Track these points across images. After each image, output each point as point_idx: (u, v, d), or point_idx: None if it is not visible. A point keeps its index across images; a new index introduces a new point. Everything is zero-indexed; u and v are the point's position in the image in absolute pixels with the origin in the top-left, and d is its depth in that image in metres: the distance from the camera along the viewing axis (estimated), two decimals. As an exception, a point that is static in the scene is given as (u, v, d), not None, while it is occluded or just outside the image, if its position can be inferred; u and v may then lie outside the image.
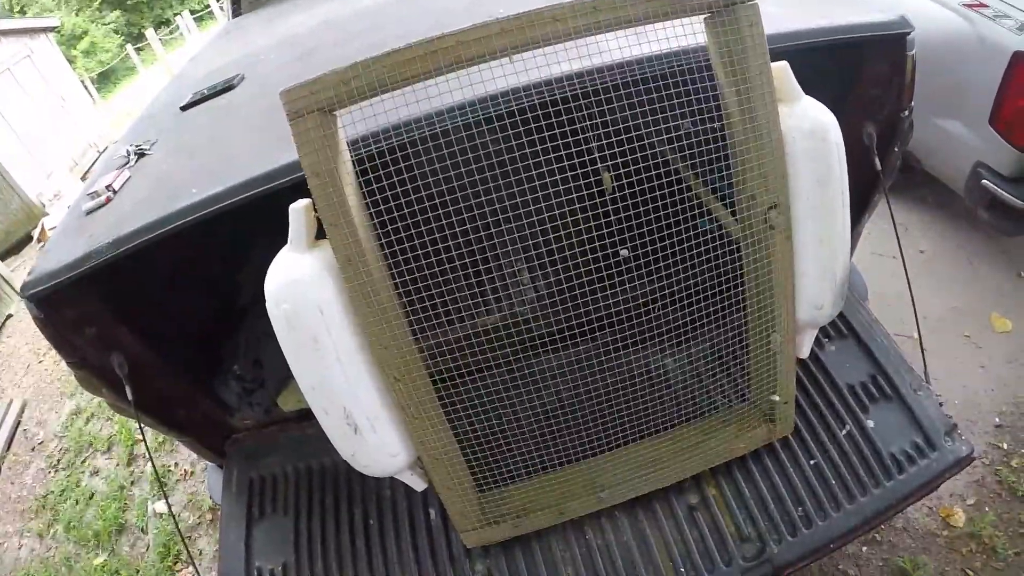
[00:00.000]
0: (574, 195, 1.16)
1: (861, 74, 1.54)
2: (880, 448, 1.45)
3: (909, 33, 1.40)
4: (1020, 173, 2.48)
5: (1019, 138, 2.40)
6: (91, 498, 3.18)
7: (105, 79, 16.68)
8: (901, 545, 2.06)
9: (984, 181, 2.56)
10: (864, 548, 2.08)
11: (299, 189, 1.15)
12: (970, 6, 2.48)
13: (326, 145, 1.01)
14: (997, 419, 2.33)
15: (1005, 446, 2.24)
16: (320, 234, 1.13)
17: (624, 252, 1.21)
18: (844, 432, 1.48)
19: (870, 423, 1.49)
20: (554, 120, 1.11)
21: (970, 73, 2.50)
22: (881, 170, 1.55)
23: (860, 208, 1.66)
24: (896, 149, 1.60)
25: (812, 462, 1.45)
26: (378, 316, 1.09)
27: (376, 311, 1.09)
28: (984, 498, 2.12)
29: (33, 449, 3.72)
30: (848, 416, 1.50)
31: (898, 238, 1.67)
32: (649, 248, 1.20)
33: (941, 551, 2.03)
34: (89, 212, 1.46)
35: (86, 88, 11.58)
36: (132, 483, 3.18)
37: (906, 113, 1.53)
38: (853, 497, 1.40)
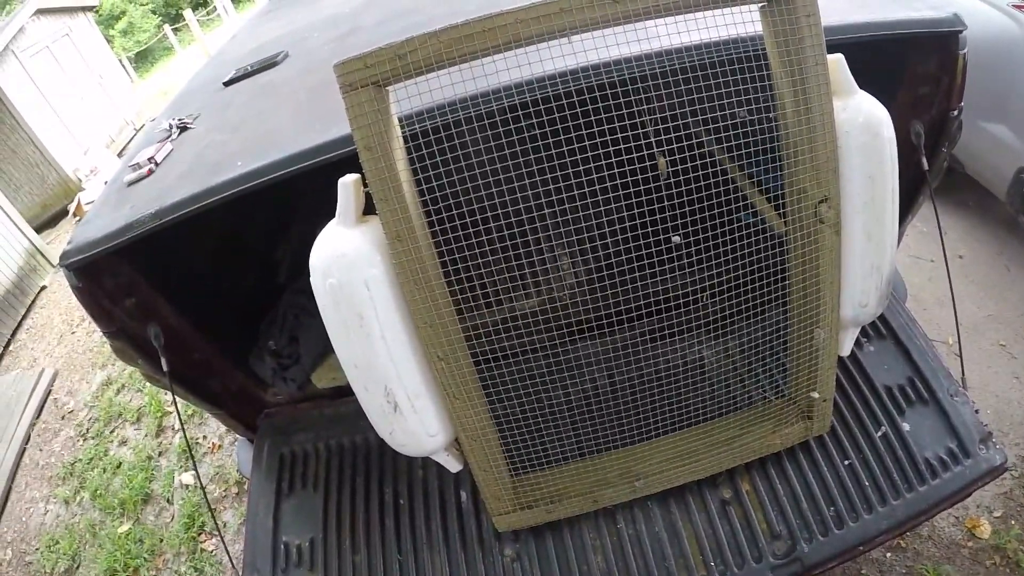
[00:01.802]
0: (623, 180, 1.15)
1: (911, 71, 1.51)
2: (915, 452, 1.43)
3: (962, 31, 1.37)
4: (1066, 181, 2.42)
5: (1066, 145, 2.34)
6: (118, 467, 3.26)
7: (142, 59, 16.91)
8: (925, 553, 2.04)
9: (1028, 187, 2.50)
10: (888, 554, 2.06)
11: (344, 165, 1.16)
12: (1019, 7, 2.41)
13: (379, 119, 1.01)
14: (1029, 431, 2.28)
15: (1035, 460, 2.20)
16: (368, 210, 1.13)
17: (676, 239, 1.20)
18: (880, 434, 1.47)
19: (906, 426, 1.47)
20: (609, 104, 1.10)
21: (1017, 76, 2.44)
22: (928, 170, 1.52)
23: (905, 208, 1.63)
24: (944, 149, 1.56)
25: (847, 462, 1.43)
26: (425, 295, 1.09)
27: (423, 290, 1.09)
28: (1011, 511, 2.09)
29: (63, 418, 3.82)
30: (884, 418, 1.49)
31: (943, 242, 1.63)
32: (695, 237, 1.19)
33: (965, 562, 2.00)
34: (131, 183, 1.48)
35: (124, 67, 11.75)
36: (160, 454, 3.25)
37: (955, 113, 1.50)
38: (885, 500, 1.38)
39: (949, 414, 1.48)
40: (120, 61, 11.49)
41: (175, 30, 15.27)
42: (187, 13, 11.66)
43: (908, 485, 1.40)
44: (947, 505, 1.41)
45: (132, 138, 8.91)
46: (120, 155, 8.12)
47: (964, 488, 1.40)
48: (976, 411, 1.51)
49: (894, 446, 1.45)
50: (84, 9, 9.25)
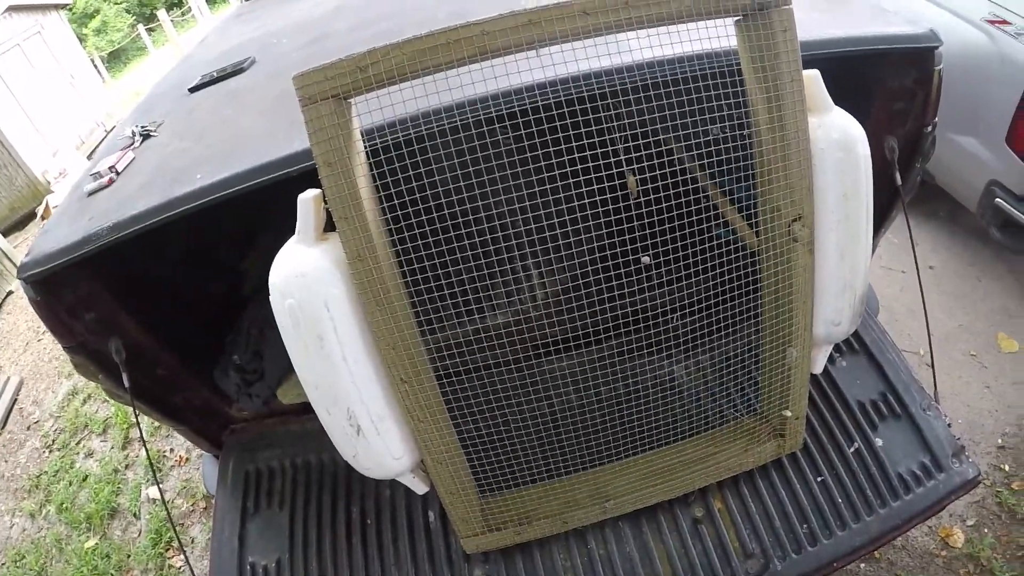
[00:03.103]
0: (592, 197, 1.13)
1: (886, 86, 1.51)
2: (888, 467, 1.43)
3: (938, 47, 1.37)
4: (1035, 193, 2.46)
5: (1036, 158, 2.37)
6: (85, 480, 3.17)
7: (115, 58, 16.63)
8: (900, 564, 2.05)
9: (998, 200, 2.54)
10: (863, 566, 2.07)
11: (308, 178, 1.12)
12: (993, 22, 2.45)
13: (339, 134, 0.97)
14: (1000, 440, 2.31)
15: (1007, 468, 2.23)
16: (329, 226, 1.09)
17: (646, 259, 1.18)
18: (852, 450, 1.46)
19: (879, 441, 1.47)
20: (578, 119, 1.07)
21: (989, 90, 2.47)
22: (902, 185, 1.52)
23: (878, 223, 1.63)
24: (918, 165, 1.57)
25: (819, 479, 1.42)
26: (387, 315, 1.06)
27: (385, 310, 1.05)
28: (984, 519, 2.11)
29: (29, 428, 3.70)
30: (857, 433, 1.48)
31: (915, 256, 1.64)
32: (666, 254, 1.17)
33: (939, 572, 2.01)
34: (91, 193, 1.43)
35: (96, 67, 11.53)
36: (127, 467, 3.16)
37: (929, 128, 1.50)
38: (859, 516, 1.38)
39: (922, 428, 1.48)
40: (92, 61, 11.28)
41: (149, 30, 15.04)
42: (161, 13, 11.47)
43: (881, 501, 1.39)
44: (921, 520, 1.41)
45: (102, 140, 8.73)
46: (90, 157, 7.94)
47: (938, 502, 1.40)
48: (949, 424, 1.51)
49: (867, 462, 1.44)
50: (57, 7, 9.07)
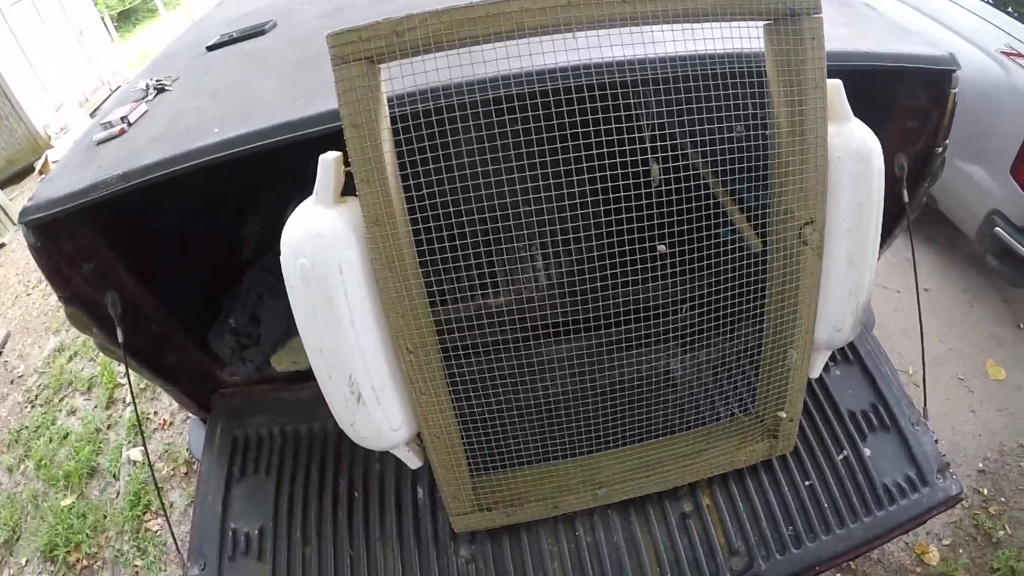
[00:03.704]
0: (609, 184, 1.13)
1: (901, 104, 1.53)
2: (874, 477, 1.45)
3: (956, 71, 1.39)
4: (1034, 225, 2.49)
5: (1038, 191, 2.41)
6: (65, 438, 3.13)
7: (125, 18, 16.39)
8: (874, 576, 2.08)
9: (997, 229, 2.58)
10: (838, 575, 2.09)
11: (324, 142, 1.11)
12: (1008, 54, 2.47)
13: (368, 96, 0.97)
14: (981, 464, 2.35)
15: (986, 491, 2.27)
16: (347, 190, 1.09)
17: (661, 247, 1.18)
18: (841, 457, 1.48)
19: (867, 451, 1.50)
20: (606, 104, 1.07)
21: (998, 120, 2.50)
22: (908, 203, 1.54)
23: (882, 239, 1.65)
24: (926, 184, 1.59)
25: (807, 483, 1.44)
26: (399, 283, 1.06)
27: (398, 278, 1.05)
28: (960, 540, 2.15)
29: (12, 382, 3.66)
30: (847, 441, 1.51)
31: (916, 274, 1.66)
32: (678, 248, 1.18)
33: (913, 588, 2.04)
34: (100, 142, 1.41)
35: (105, 25, 11.38)
36: (109, 427, 3.13)
37: (940, 149, 1.53)
38: (843, 522, 1.40)
39: (910, 442, 1.50)
40: (102, 19, 11.13)
41: (161, -9, 14.84)
42: (174, -25, 11.33)
43: (866, 509, 1.42)
44: (903, 531, 1.44)
45: (106, 99, 8.61)
46: (93, 115, 7.85)
47: (920, 515, 1.43)
48: (936, 441, 1.54)
49: (855, 470, 1.47)
50: (71, -39, 8.91)
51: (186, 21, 9.86)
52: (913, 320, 1.66)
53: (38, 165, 6.50)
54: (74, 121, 7.09)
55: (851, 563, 2.08)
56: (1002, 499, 2.25)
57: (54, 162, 6.19)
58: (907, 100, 1.52)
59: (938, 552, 2.11)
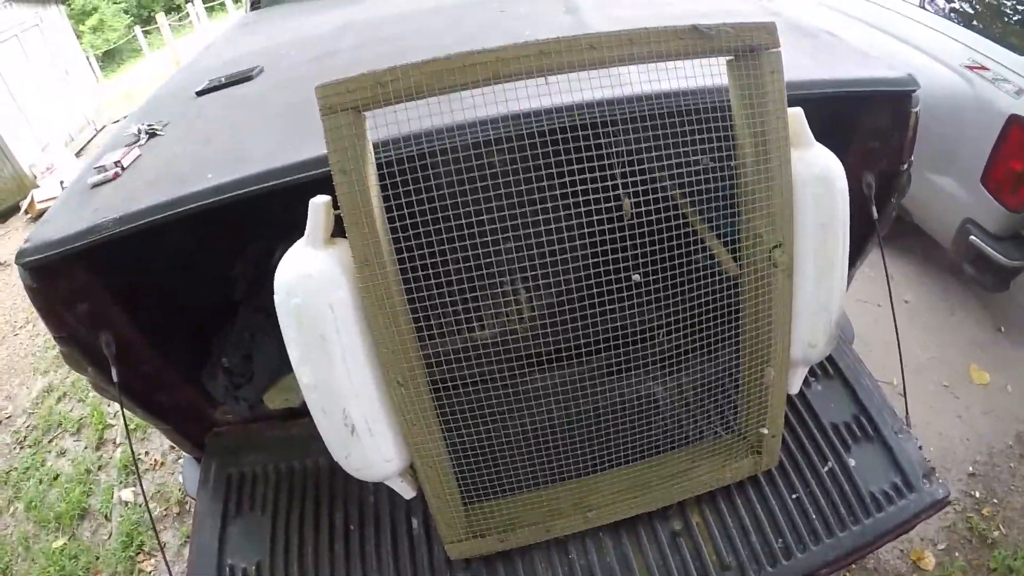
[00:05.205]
0: (586, 218, 1.18)
1: (865, 126, 1.59)
2: (860, 486, 1.48)
3: (915, 90, 1.45)
4: (1007, 231, 2.57)
5: (1008, 198, 2.48)
6: (55, 479, 3.10)
7: (110, 58, 16.53)
8: (872, 585, 2.09)
9: (972, 237, 2.64)
10: (835, 585, 2.11)
11: (313, 186, 1.15)
12: (971, 68, 2.57)
13: (355, 143, 1.02)
14: (971, 468, 2.38)
15: (977, 494, 2.29)
16: (337, 232, 1.13)
17: (636, 277, 1.23)
18: (826, 469, 1.51)
19: (852, 461, 1.52)
20: (580, 144, 1.13)
21: (966, 132, 2.58)
22: (877, 220, 1.60)
23: (854, 255, 1.71)
24: (893, 200, 1.64)
25: (794, 496, 1.47)
26: (388, 320, 1.10)
27: (387, 315, 1.09)
28: (954, 543, 2.17)
29: (0, 423, 3.63)
30: (831, 453, 1.53)
31: (889, 287, 1.71)
32: (652, 276, 1.23)
33: (910, 594, 2.06)
34: (95, 186, 1.45)
35: (91, 65, 11.46)
36: (99, 468, 3.10)
37: (905, 167, 1.58)
38: (832, 532, 1.42)
39: (894, 450, 1.54)
40: (87, 58, 11.21)
41: (145, 32, 15.00)
42: (160, 17, 11.45)
43: (854, 518, 1.44)
44: (892, 537, 1.46)
45: (92, 138, 8.64)
46: (78, 155, 7.86)
47: (909, 520, 1.45)
48: (920, 447, 1.57)
49: (840, 480, 1.49)
50: (57, 1, 9.03)
51: (170, 62, 9.97)
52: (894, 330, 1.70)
53: (24, 204, 6.50)
54: (60, 161, 7.10)
55: (847, 573, 2.10)
56: (995, 500, 2.28)
57: (40, 201, 6.18)
58: (870, 121, 1.58)
59: (934, 557, 2.13)
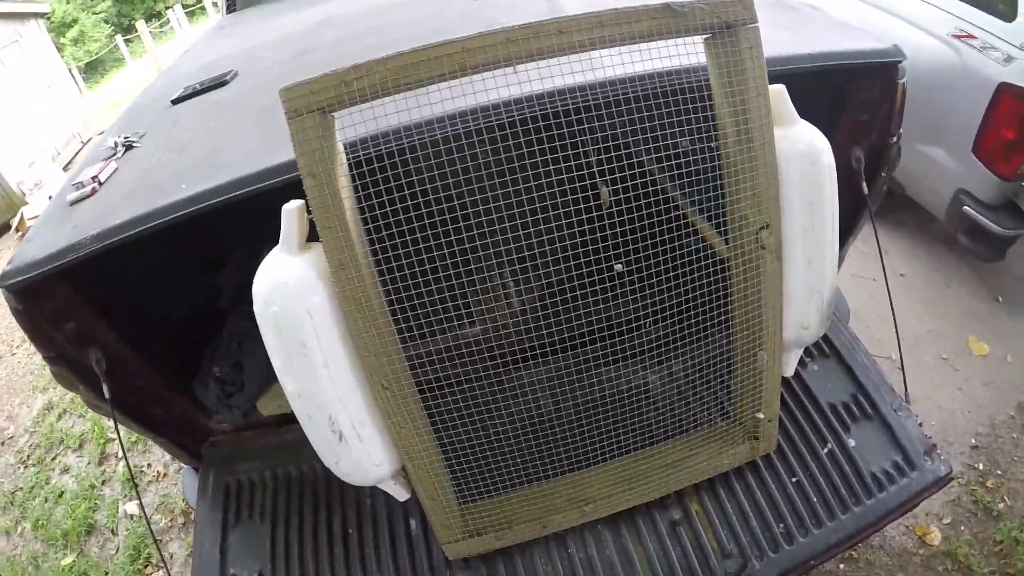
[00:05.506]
0: (567, 208, 1.16)
1: (852, 99, 1.56)
2: (861, 467, 1.46)
3: (901, 61, 1.43)
4: (1000, 200, 2.54)
5: (1000, 167, 2.46)
6: (61, 496, 3.10)
7: (93, 69, 16.45)
8: (878, 563, 2.09)
9: (965, 208, 2.62)
10: (841, 566, 2.10)
11: (290, 190, 1.13)
12: (959, 37, 2.54)
13: (323, 146, 0.99)
14: (973, 440, 2.37)
15: (981, 467, 2.28)
16: (312, 236, 1.11)
17: (619, 267, 1.21)
18: (826, 450, 1.50)
19: (851, 442, 1.51)
20: (553, 132, 1.10)
21: (955, 102, 2.56)
22: (868, 194, 1.58)
23: (846, 231, 1.69)
24: (883, 174, 1.62)
25: (794, 479, 1.46)
26: (368, 323, 1.08)
27: (366, 318, 1.07)
28: (960, 517, 2.16)
29: (3, 443, 3.62)
30: (830, 435, 1.52)
31: (883, 262, 1.69)
32: (639, 264, 1.21)
33: (917, 569, 2.05)
34: (73, 203, 1.43)
35: (73, 77, 11.40)
36: (103, 482, 3.11)
37: (894, 139, 1.55)
38: (834, 514, 1.41)
39: (893, 428, 1.52)
40: (70, 70, 11.15)
41: (127, 41, 14.92)
42: (140, 24, 11.37)
43: (856, 499, 1.43)
44: (895, 516, 1.44)
45: (78, 151, 8.60)
46: (66, 169, 7.82)
47: (911, 499, 1.44)
48: (920, 424, 1.55)
49: (840, 462, 1.48)
50: (36, 15, 8.97)
51: (153, 69, 9.90)
52: (892, 307, 1.68)
53: (14, 222, 6.48)
54: (47, 176, 7.07)
55: (852, 552, 2.09)
56: (998, 472, 2.27)
57: (30, 218, 6.16)
58: (857, 95, 1.55)
59: (939, 532, 2.12)
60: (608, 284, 1.25)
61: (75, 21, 18.66)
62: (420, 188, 1.11)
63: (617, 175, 1.12)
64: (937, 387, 2.55)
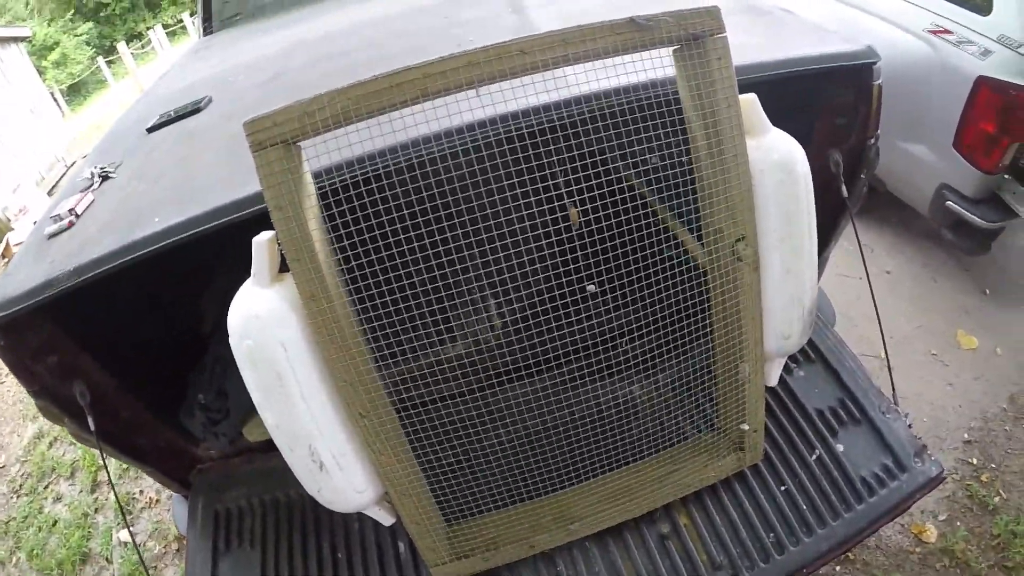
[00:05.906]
0: (540, 229, 1.15)
1: (827, 103, 1.56)
2: (850, 472, 1.45)
3: (875, 63, 1.42)
4: (983, 194, 2.56)
5: (982, 160, 2.47)
6: (54, 525, 3.08)
7: (75, 92, 16.40)
8: (875, 563, 2.08)
9: (948, 202, 2.64)
10: (838, 568, 2.09)
11: (265, 218, 1.12)
12: (935, 32, 2.55)
13: (289, 178, 0.99)
14: (966, 435, 2.37)
15: (974, 461, 2.28)
16: (284, 267, 1.10)
17: (591, 287, 1.20)
18: (814, 457, 1.49)
19: (840, 447, 1.50)
20: (521, 154, 1.10)
21: (934, 98, 2.57)
22: (848, 196, 1.57)
23: (828, 233, 1.68)
24: (862, 176, 1.62)
25: (783, 488, 1.45)
26: (342, 353, 1.07)
27: (340, 348, 1.06)
28: (956, 513, 2.15)
29: (-6, 474, 3.60)
30: (818, 441, 1.51)
31: (864, 261, 1.69)
32: (616, 280, 1.20)
33: (915, 568, 2.05)
34: (51, 236, 1.43)
35: (56, 100, 11.37)
36: (96, 510, 3.08)
37: (872, 141, 1.55)
38: (824, 521, 1.40)
39: (882, 431, 1.51)
40: (52, 94, 11.12)
41: (109, 63, 14.88)
42: (121, 46, 11.37)
43: (846, 505, 1.41)
44: (887, 520, 1.43)
45: (63, 175, 8.57)
46: (50, 193, 7.78)
47: (902, 502, 1.42)
48: (909, 425, 1.54)
49: (829, 468, 1.46)
50: (17, 39, 8.94)
51: (135, 91, 9.87)
52: (878, 305, 1.68)
53: (0, 249, 6.44)
54: (32, 201, 7.04)
55: (848, 554, 2.09)
56: (992, 465, 2.27)
57: (15, 244, 6.13)
58: (832, 98, 1.55)
59: (936, 529, 2.12)
60: (586, 302, 1.24)
61: (56, 44, 18.62)
62: (394, 214, 1.11)
63: (586, 194, 1.11)
64: (927, 383, 2.55)
